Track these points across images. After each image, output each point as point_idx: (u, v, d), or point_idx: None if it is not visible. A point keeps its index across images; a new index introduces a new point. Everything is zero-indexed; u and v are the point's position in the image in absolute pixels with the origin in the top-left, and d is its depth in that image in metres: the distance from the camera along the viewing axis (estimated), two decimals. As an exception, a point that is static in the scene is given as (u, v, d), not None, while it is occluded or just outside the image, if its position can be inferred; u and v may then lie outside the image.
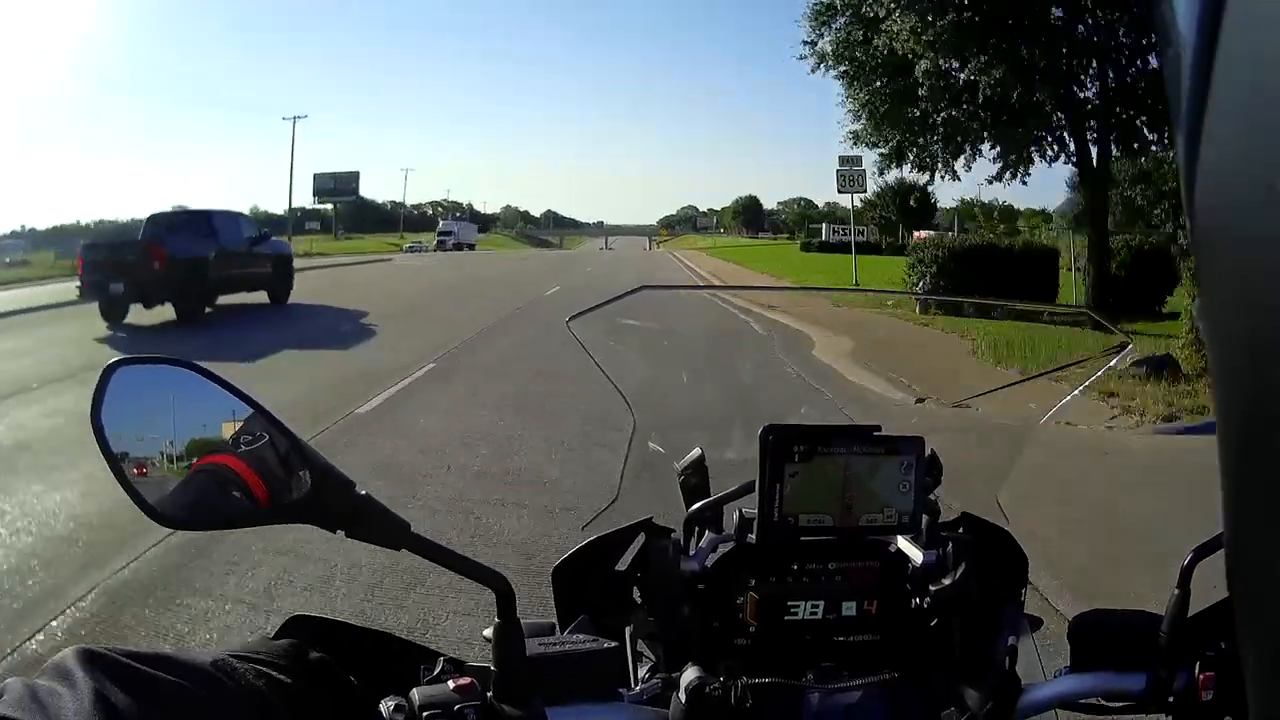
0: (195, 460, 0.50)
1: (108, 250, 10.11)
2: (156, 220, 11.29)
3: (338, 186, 61.65)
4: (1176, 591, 0.66)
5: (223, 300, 11.17)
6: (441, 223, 61.65)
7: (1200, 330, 0.67)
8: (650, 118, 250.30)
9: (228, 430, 0.51)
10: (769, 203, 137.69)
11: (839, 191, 16.06)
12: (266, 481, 0.51)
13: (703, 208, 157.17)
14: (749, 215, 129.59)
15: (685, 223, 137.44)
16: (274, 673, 0.49)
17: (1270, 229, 0.20)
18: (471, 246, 62.31)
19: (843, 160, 17.23)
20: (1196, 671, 0.65)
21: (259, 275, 11.86)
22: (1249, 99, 0.20)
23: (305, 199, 68.31)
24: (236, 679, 0.47)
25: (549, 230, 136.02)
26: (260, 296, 12.03)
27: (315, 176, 61.93)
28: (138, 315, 10.45)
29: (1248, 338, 0.22)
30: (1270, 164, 0.20)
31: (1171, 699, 0.66)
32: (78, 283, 10.07)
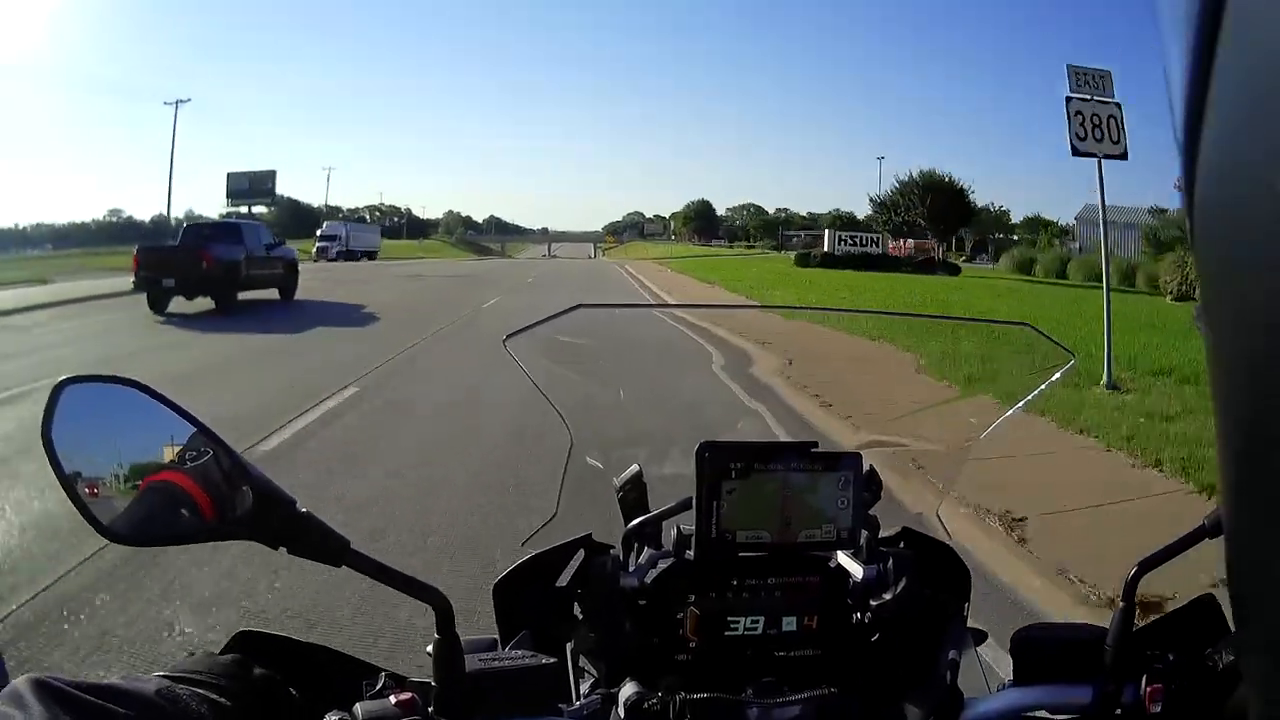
0: (143, 479, 0.54)
1: (161, 253, 13.27)
2: (197, 230, 14.72)
3: (253, 187, 58.34)
4: (1121, 604, 0.70)
5: (242, 296, 14.50)
6: (326, 224, 51.70)
7: (1200, 330, 0.30)
8: (595, 124, 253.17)
9: (173, 449, 0.54)
10: (718, 208, 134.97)
11: (1076, 146, 7.23)
12: (212, 497, 0.55)
13: (649, 214, 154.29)
14: (701, 221, 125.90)
15: (632, 229, 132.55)
16: (217, 696, 0.53)
17: (1270, 229, 0.21)
18: (371, 255, 53.82)
19: (1079, 76, 7.63)
20: (1144, 684, 0.69)
21: (274, 275, 15.20)
22: (1249, 99, 0.22)
23: (218, 201, 64.97)
24: (180, 706, 0.51)
25: (492, 236, 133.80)
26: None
27: (229, 176, 58.37)
28: (177, 305, 13.55)
29: (1248, 337, 0.23)
30: (1270, 164, 0.21)
31: (1119, 712, 0.70)
32: (133, 277, 13.09)
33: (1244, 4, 0.21)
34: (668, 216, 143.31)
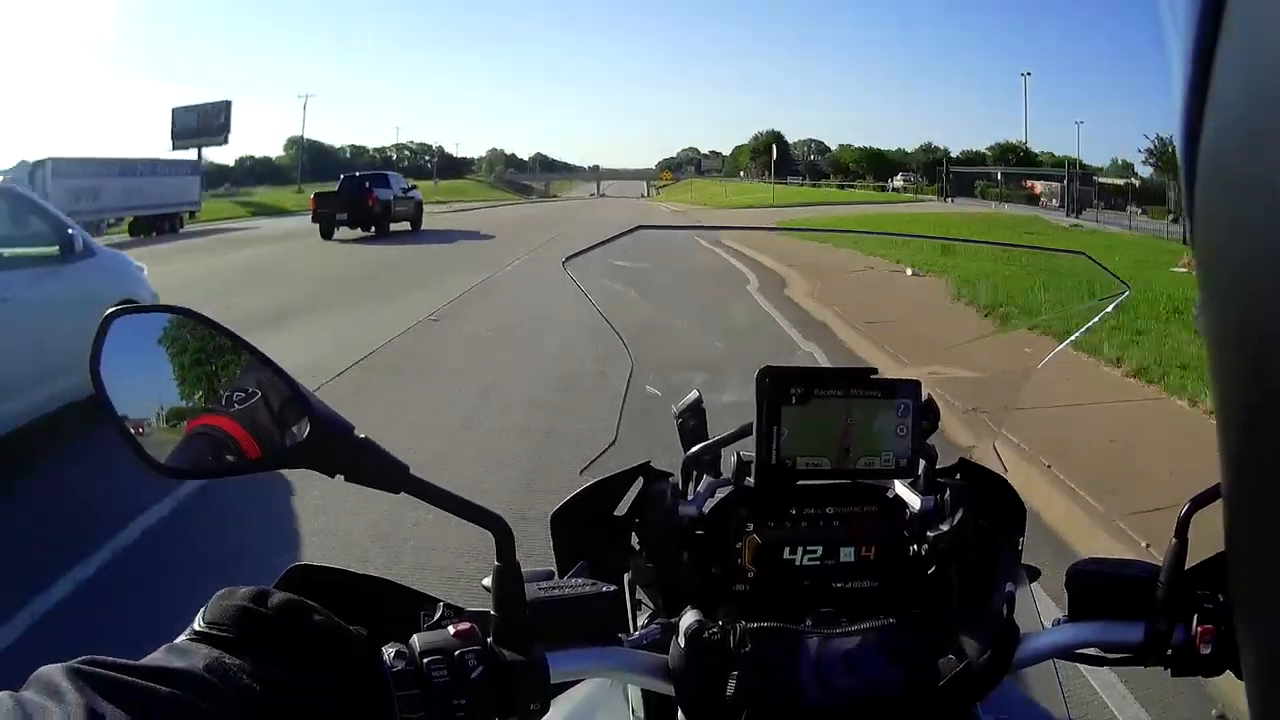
0: (189, 422, 0.58)
1: (335, 198, 21.12)
2: (359, 177, 22.55)
3: (202, 124, 49.90)
4: (1174, 541, 0.75)
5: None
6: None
7: (1201, 328, 0.34)
8: (647, 53, 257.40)
9: (223, 384, 0.59)
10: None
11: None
12: (259, 437, 0.59)
13: (704, 150, 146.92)
14: (771, 156, 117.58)
15: (687, 165, 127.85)
16: (270, 663, 0.55)
17: (1271, 229, 0.23)
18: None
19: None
20: (1195, 624, 0.74)
21: (409, 211, 23.47)
22: (1249, 98, 0.24)
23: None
24: (231, 680, 0.53)
25: (536, 175, 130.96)
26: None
27: (174, 113, 50.13)
28: (341, 234, 21.72)
29: (1248, 337, 0.25)
30: (1270, 164, 0.23)
31: (1170, 651, 0.75)
32: (311, 214, 21.32)
33: (1244, 4, 0.23)
34: (729, 152, 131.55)
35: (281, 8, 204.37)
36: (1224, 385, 0.27)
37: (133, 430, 0.59)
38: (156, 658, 0.53)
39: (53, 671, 0.47)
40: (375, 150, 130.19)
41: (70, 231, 5.05)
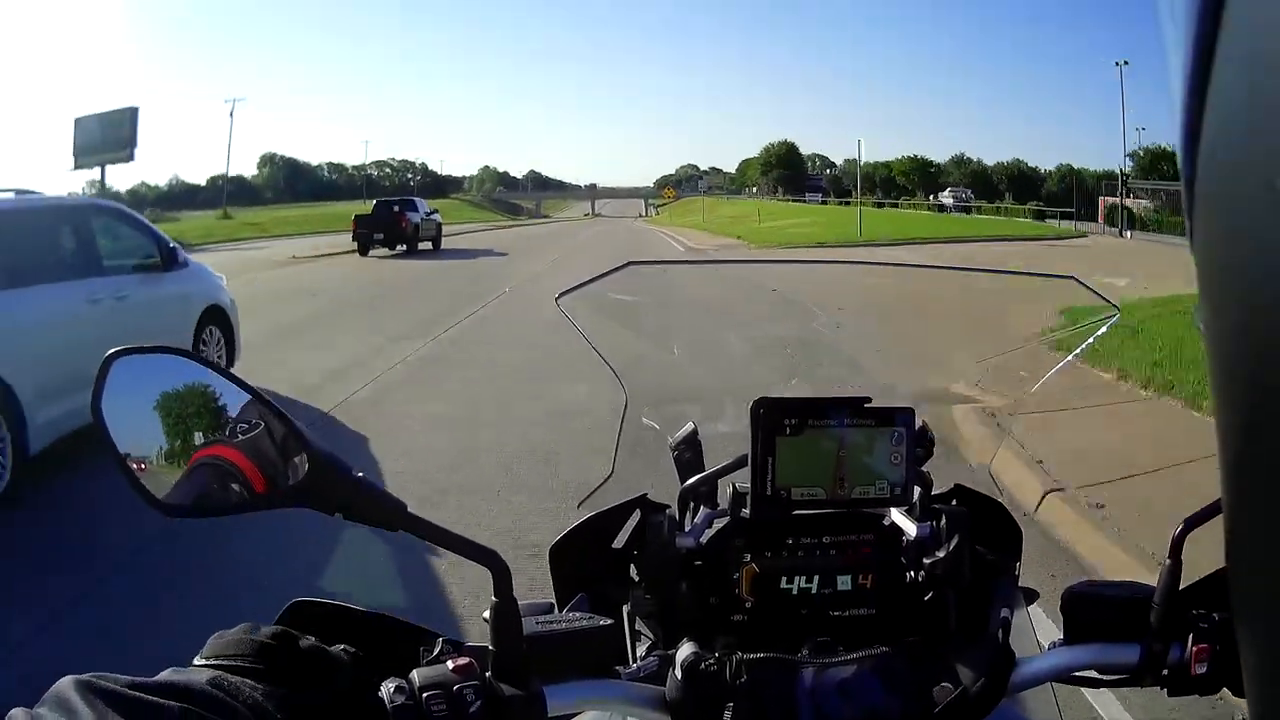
0: (193, 455, 0.62)
1: (372, 220, 25.24)
2: (388, 202, 27.26)
3: (106, 137, 41.74)
4: (1168, 562, 0.79)
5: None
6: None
7: (1200, 328, 0.37)
8: (643, 70, 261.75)
9: (225, 419, 0.63)
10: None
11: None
12: (263, 469, 0.63)
13: (704, 166, 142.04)
14: (786, 171, 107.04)
15: (686, 182, 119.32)
16: (268, 682, 0.59)
17: (1270, 229, 0.25)
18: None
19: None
20: (1190, 644, 0.78)
21: (431, 233, 28.08)
22: (1249, 99, 0.25)
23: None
24: (232, 693, 0.57)
25: (528, 194, 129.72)
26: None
27: (76, 124, 41.46)
28: (375, 252, 25.89)
29: (1247, 337, 0.27)
30: (1270, 164, 0.24)
31: (1165, 671, 0.79)
32: (352, 234, 25.73)
33: (1244, 4, 0.24)
34: (734, 168, 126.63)
35: (256, 17, 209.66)
36: (1224, 385, 0.29)
37: (135, 466, 0.63)
38: (164, 676, 0.57)
39: (65, 686, 0.51)
40: (355, 168, 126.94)
41: (172, 245, 6.56)
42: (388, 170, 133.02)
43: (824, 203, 79.02)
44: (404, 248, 26.54)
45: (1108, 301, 1.09)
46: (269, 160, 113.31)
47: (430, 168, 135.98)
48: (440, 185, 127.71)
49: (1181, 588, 0.80)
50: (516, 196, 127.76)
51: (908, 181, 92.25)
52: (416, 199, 31.35)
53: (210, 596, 3.52)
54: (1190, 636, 0.79)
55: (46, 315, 5.10)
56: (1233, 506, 0.30)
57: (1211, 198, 0.27)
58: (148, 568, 4.01)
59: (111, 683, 0.52)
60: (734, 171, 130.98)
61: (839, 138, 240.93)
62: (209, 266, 7.42)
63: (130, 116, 46.05)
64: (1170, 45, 0.28)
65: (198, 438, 0.64)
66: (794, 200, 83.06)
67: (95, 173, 43.16)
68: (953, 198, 70.95)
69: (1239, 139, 0.26)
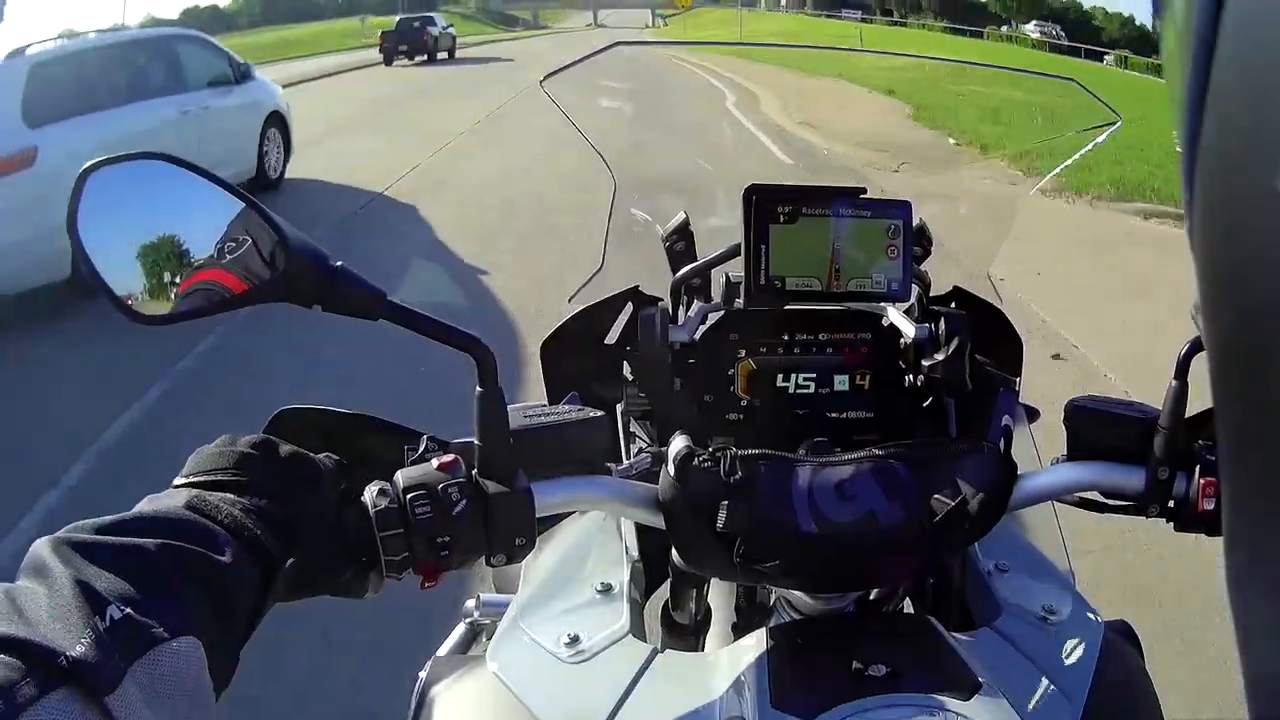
0: (185, 280, 0.59)
1: (397, 35, 27.12)
2: (410, 18, 28.84)
3: None
4: (1174, 384, 0.73)
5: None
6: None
7: (1199, 329, 0.47)
8: None
9: (208, 227, 0.60)
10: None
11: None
12: (248, 280, 0.59)
13: None
14: None
15: None
16: (248, 495, 0.57)
17: (1271, 229, 0.24)
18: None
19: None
20: (1197, 476, 0.73)
21: (447, 44, 29.41)
22: (1249, 97, 0.24)
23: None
24: (213, 515, 0.54)
25: (526, 3, 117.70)
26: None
27: None
28: (398, 63, 26.29)
29: (1247, 338, 0.26)
30: (1270, 163, 0.24)
31: (1172, 504, 0.75)
32: (378, 50, 27.26)
33: (1243, 3, 0.24)
34: None
35: None
36: (1224, 386, 0.28)
37: (121, 296, 0.59)
38: (140, 508, 0.53)
39: (40, 548, 0.48)
40: None
41: (241, 62, 7.52)
42: None
43: (866, 21, 64.35)
44: (424, 58, 28.85)
45: (1108, 107, 1.01)
46: None
47: None
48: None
49: (1190, 415, 0.74)
50: (515, 6, 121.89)
51: (1001, 7, 71.81)
52: (434, 15, 33.31)
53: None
54: (1198, 468, 0.73)
55: (150, 125, 6.04)
56: (1233, 508, 0.29)
57: (1211, 198, 0.27)
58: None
59: (86, 532, 0.49)
60: None
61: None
62: (268, 79, 8.20)
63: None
64: (1169, 46, 0.27)
65: (185, 260, 0.60)
66: (827, 15, 68.18)
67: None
68: (1040, 32, 60.26)
69: (1239, 139, 0.25)
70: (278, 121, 8.03)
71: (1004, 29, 64.73)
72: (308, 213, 6.88)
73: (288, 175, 8.00)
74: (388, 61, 28.54)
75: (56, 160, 4.96)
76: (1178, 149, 0.28)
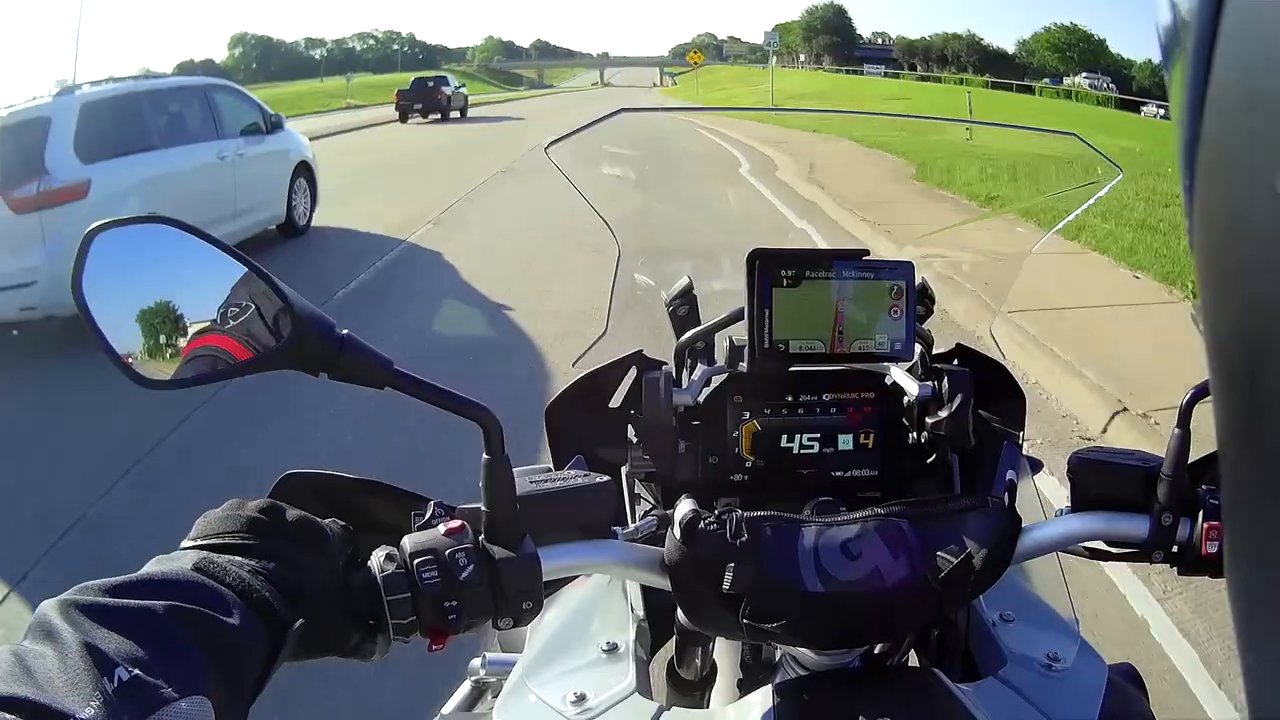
0: (187, 345, 0.60)
1: (413, 93, 28.59)
2: (424, 78, 30.43)
3: None
4: (1177, 432, 0.73)
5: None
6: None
7: (1199, 330, 0.33)
8: None
9: (216, 297, 0.60)
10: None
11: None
12: (252, 347, 0.59)
13: (721, 35, 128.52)
14: (833, 37, 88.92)
15: (706, 51, 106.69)
16: (255, 558, 0.56)
17: (1271, 229, 0.24)
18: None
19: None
20: (1200, 521, 0.73)
21: (459, 104, 30.95)
22: (1249, 98, 0.24)
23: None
24: (221, 577, 0.53)
25: (531, 63, 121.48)
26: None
27: None
28: (413, 120, 27.59)
29: (1247, 339, 0.26)
30: (1270, 164, 0.24)
31: (1175, 548, 0.74)
32: (394, 105, 28.87)
33: (1244, 3, 0.24)
34: (772, 30, 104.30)
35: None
36: (1224, 387, 0.28)
37: (124, 358, 0.59)
38: (148, 569, 0.53)
39: (47, 609, 0.47)
40: (335, 42, 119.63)
41: (272, 113, 7.84)
42: (371, 42, 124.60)
43: (895, 76, 62.57)
44: (438, 116, 30.20)
45: (1110, 161, 1.01)
46: (240, 40, 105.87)
47: (419, 38, 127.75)
48: (431, 56, 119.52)
49: (1192, 460, 0.74)
50: (519, 66, 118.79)
51: (1059, 61, 69.81)
52: (447, 75, 35.23)
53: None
54: (1200, 513, 0.73)
55: (190, 167, 6.43)
56: (1233, 508, 0.30)
57: (1211, 198, 0.27)
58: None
59: (94, 593, 0.48)
60: (759, 39, 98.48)
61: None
62: (296, 130, 8.50)
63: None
64: (1169, 46, 0.28)
65: (187, 322, 0.60)
66: (850, 72, 64.60)
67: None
68: (1089, 84, 59.86)
69: (1239, 139, 0.25)
70: (305, 171, 8.34)
71: (1062, 82, 60.71)
72: (354, 249, 7.79)
73: (315, 223, 8.42)
74: (403, 119, 29.97)
75: (107, 193, 5.49)
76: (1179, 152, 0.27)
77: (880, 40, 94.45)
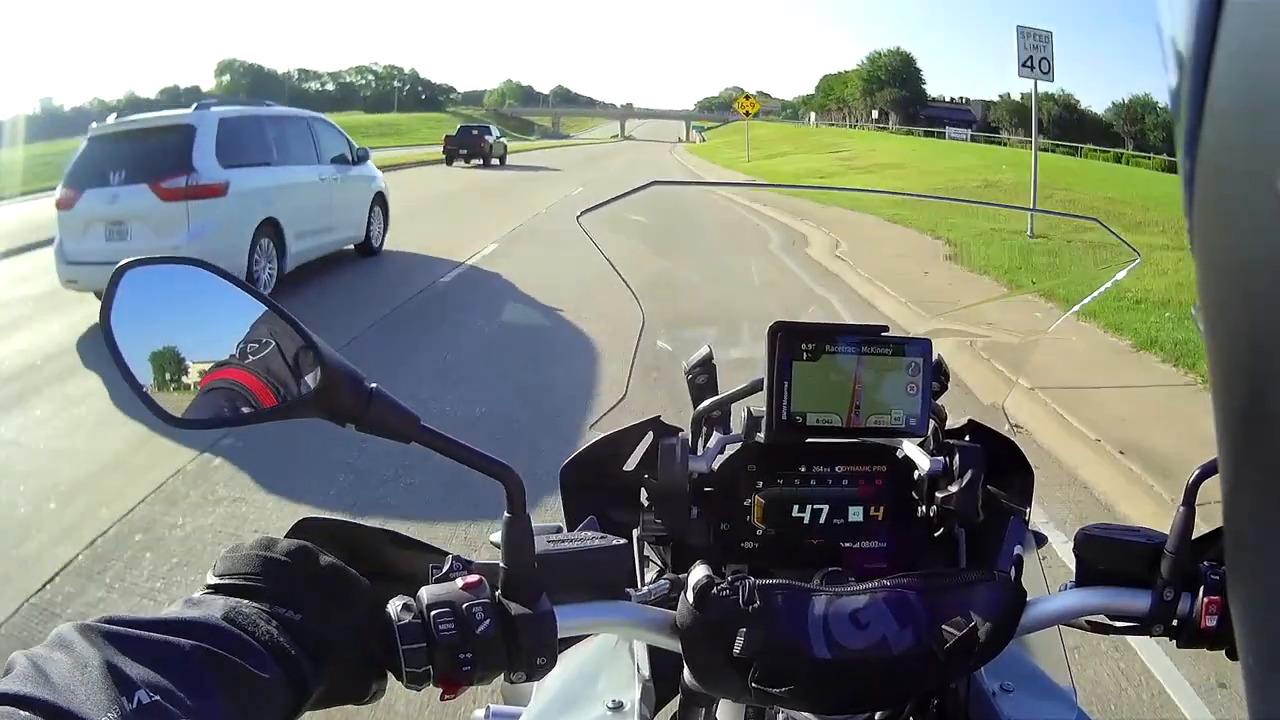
0: (205, 378, 0.60)
1: (458, 139, 29.63)
2: (469, 127, 31.77)
3: None
4: (1182, 509, 0.72)
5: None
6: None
7: (1199, 329, 0.40)
8: None
9: (237, 336, 0.61)
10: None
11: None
12: (274, 387, 0.59)
13: (750, 90, 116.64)
14: (899, 91, 72.77)
15: (730, 109, 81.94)
16: (284, 606, 0.56)
17: (1271, 229, 0.25)
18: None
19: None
20: (1201, 595, 0.72)
21: (500, 151, 31.22)
22: (1249, 99, 0.25)
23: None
24: (250, 629, 0.52)
25: (548, 109, 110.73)
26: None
27: None
28: (457, 164, 27.88)
29: (1247, 339, 0.27)
30: (1270, 164, 0.24)
31: (1175, 622, 0.74)
32: (443, 150, 30.09)
33: (1243, 3, 0.25)
34: (824, 79, 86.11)
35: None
36: (1224, 387, 0.28)
37: (145, 387, 0.59)
38: (174, 610, 0.51)
39: (68, 630, 0.45)
40: (329, 74, 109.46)
41: (358, 147, 8.41)
42: (370, 78, 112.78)
43: (990, 142, 49.62)
44: (480, 162, 31.60)
45: (1129, 246, 1.02)
46: (228, 67, 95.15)
47: (423, 76, 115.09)
48: (433, 96, 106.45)
49: (1196, 536, 0.73)
50: (534, 112, 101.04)
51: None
52: (490, 125, 36.58)
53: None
54: (1201, 588, 0.73)
55: (297, 183, 7.12)
56: (1233, 509, 0.30)
57: (1211, 198, 0.27)
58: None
59: (118, 623, 0.47)
60: (818, 89, 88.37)
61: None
62: (373, 164, 9.20)
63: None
64: (1169, 46, 0.28)
65: (208, 360, 0.60)
66: (927, 134, 50.34)
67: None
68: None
69: (1239, 139, 0.26)
70: (380, 200, 9.05)
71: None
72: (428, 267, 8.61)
73: (387, 246, 9.23)
74: (448, 162, 32.33)
75: (240, 194, 6.42)
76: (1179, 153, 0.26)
77: (949, 99, 77.08)
